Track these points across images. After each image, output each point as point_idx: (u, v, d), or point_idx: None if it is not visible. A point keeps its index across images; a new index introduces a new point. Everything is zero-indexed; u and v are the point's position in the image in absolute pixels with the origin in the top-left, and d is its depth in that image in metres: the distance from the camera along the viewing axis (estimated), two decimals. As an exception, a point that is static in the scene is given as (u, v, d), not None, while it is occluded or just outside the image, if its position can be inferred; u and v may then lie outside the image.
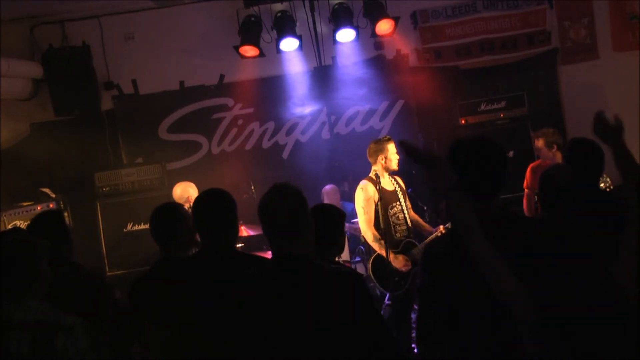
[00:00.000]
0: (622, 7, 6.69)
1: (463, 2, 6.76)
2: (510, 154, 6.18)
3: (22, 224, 5.76)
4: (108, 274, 5.87)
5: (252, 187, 6.07)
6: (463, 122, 6.39)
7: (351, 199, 6.71)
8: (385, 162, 5.04)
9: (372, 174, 5.08)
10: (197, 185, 5.71)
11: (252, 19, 6.29)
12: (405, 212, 5.08)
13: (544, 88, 6.74)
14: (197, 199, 2.85)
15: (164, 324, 2.77)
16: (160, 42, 6.74)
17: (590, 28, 6.76)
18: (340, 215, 3.14)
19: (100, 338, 2.45)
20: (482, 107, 6.39)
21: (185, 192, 5.58)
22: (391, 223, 4.97)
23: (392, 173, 5.12)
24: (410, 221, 5.13)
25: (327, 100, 6.75)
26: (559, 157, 5.39)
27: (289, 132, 6.84)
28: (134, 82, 6.82)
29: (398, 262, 4.88)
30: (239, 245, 5.19)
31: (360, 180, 5.10)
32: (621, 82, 6.51)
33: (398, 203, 5.05)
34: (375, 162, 5.08)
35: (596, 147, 3.13)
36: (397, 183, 5.18)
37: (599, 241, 2.46)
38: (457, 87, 6.66)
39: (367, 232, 4.93)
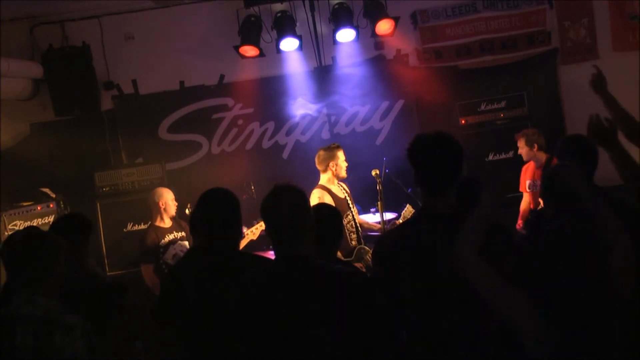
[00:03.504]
0: (622, 7, 6.69)
1: (463, 2, 6.75)
2: (510, 154, 6.23)
3: (22, 224, 5.75)
4: (108, 274, 5.87)
5: (252, 187, 6.06)
6: (463, 122, 6.40)
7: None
8: (335, 170, 5.01)
9: (323, 182, 5.04)
10: (197, 186, 5.69)
11: (252, 19, 6.28)
12: (355, 219, 5.05)
13: (544, 88, 6.73)
14: (201, 198, 2.85)
15: (166, 322, 2.77)
16: (160, 42, 6.74)
17: (590, 28, 6.75)
18: (338, 215, 3.14)
19: (99, 342, 2.47)
20: (482, 107, 6.39)
21: (160, 196, 5.26)
22: (346, 232, 4.91)
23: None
24: (360, 225, 5.11)
25: (327, 100, 6.75)
26: (541, 157, 5.48)
27: (289, 132, 6.84)
28: (134, 82, 6.82)
29: None
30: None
31: (314, 186, 5.04)
32: (621, 82, 6.48)
33: (349, 212, 5.01)
34: (325, 170, 5.04)
35: (590, 143, 3.15)
36: (345, 190, 5.15)
37: (598, 242, 2.47)
38: (457, 87, 6.65)
39: None
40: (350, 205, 5.06)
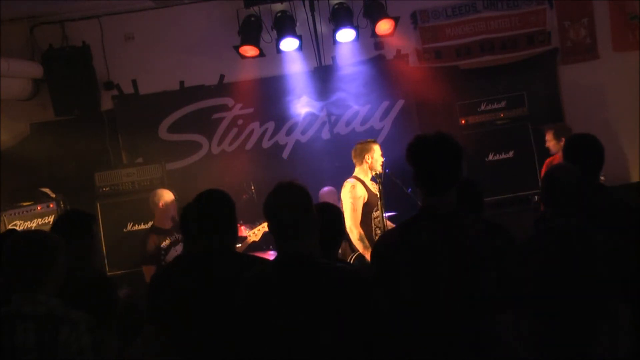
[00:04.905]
0: (622, 7, 6.69)
1: (463, 2, 6.75)
2: (510, 154, 6.23)
3: (22, 224, 5.76)
4: (108, 274, 5.87)
5: (252, 187, 6.06)
6: (463, 122, 6.40)
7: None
8: (371, 162, 5.06)
9: (357, 174, 5.09)
10: (197, 186, 5.67)
11: (252, 19, 6.29)
12: (383, 216, 5.07)
13: (544, 88, 6.73)
14: (196, 199, 2.84)
15: (162, 324, 2.77)
16: (160, 42, 6.74)
17: (590, 28, 6.75)
18: (339, 214, 3.15)
19: (103, 338, 2.46)
20: (482, 107, 6.40)
21: (160, 198, 5.27)
22: (373, 226, 4.99)
23: (373, 178, 5.06)
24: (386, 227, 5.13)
25: (327, 100, 6.75)
26: None
27: (289, 132, 6.83)
28: (134, 82, 6.82)
29: None
30: (238, 245, 5.18)
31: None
32: (621, 82, 6.51)
33: (377, 208, 5.04)
34: (361, 163, 5.10)
35: (596, 142, 3.15)
36: (379, 190, 5.18)
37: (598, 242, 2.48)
38: (457, 87, 6.64)
39: (354, 229, 4.92)
40: (379, 202, 5.08)
